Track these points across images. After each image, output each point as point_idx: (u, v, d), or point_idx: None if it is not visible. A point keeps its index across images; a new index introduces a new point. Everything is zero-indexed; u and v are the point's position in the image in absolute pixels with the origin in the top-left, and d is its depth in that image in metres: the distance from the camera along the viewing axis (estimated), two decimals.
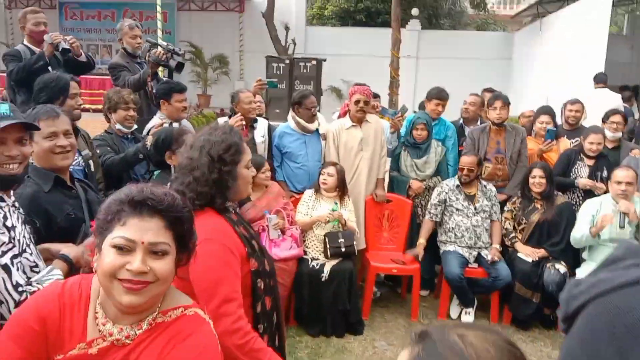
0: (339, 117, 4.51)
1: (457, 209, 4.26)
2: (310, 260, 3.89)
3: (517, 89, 13.49)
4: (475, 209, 4.24)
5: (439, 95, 4.76)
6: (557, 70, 10.71)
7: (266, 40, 14.09)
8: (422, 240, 4.28)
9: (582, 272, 3.81)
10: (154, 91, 4.05)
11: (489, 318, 4.26)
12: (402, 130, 4.65)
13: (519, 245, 4.16)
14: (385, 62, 13.45)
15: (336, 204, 4.05)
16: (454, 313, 4.31)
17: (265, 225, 3.80)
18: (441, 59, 14.94)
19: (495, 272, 4.07)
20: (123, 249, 1.21)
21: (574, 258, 4.06)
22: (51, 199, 1.99)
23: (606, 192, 4.17)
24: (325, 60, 11.23)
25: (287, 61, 10.73)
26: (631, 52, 14.87)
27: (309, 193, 4.14)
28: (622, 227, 3.62)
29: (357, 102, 4.26)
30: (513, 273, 4.05)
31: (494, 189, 4.35)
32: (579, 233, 3.83)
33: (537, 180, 4.08)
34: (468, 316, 4.23)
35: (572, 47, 10.24)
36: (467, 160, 4.24)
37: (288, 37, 14.55)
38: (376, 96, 5.37)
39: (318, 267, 3.84)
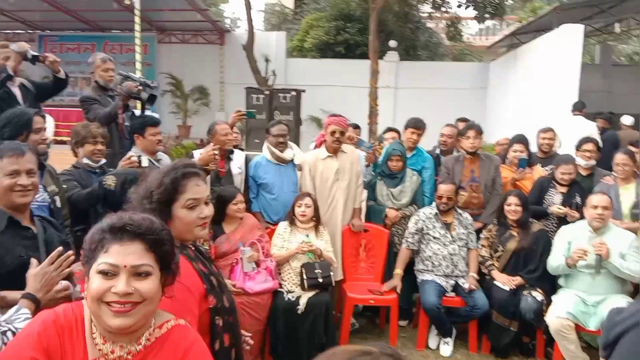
0: (315, 147, 4.52)
1: (434, 237, 4.26)
2: (285, 293, 3.84)
3: (492, 118, 13.75)
4: (452, 237, 4.24)
5: (415, 125, 4.81)
6: (531, 99, 10.94)
7: (247, 72, 14.22)
8: (398, 271, 4.26)
9: (558, 299, 3.81)
10: (126, 124, 4.03)
11: (467, 347, 4.22)
12: (380, 160, 4.67)
13: (495, 273, 4.15)
14: (364, 93, 13.63)
15: (307, 236, 4.00)
16: (432, 343, 4.26)
17: (239, 258, 3.75)
18: (419, 89, 15.19)
19: (473, 301, 4.05)
20: (108, 273, 1.28)
21: (550, 285, 4.05)
22: (1, 241, 1.93)
23: (580, 219, 4.22)
24: (304, 91, 11.33)
25: (267, 92, 10.80)
26: (603, 81, 15.29)
27: (283, 225, 4.11)
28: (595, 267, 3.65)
29: (333, 132, 4.28)
30: (490, 302, 4.03)
31: (469, 217, 4.37)
32: (555, 262, 3.84)
33: (513, 208, 4.11)
34: (447, 346, 4.18)
35: (546, 76, 10.48)
36: (445, 188, 4.25)
37: (268, 68, 14.71)
38: (356, 127, 5.42)
39: (294, 299, 3.78)
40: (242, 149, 4.94)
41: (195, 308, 1.65)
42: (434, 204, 4.37)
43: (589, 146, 4.71)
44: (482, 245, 4.30)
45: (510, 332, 3.99)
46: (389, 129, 5.56)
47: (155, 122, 3.75)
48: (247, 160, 4.43)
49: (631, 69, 17.73)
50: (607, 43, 17.09)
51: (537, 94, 10.73)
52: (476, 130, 4.51)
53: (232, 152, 4.30)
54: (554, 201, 4.41)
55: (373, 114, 13.57)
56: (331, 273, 3.92)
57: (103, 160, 3.38)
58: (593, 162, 4.68)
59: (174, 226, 1.68)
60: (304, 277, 3.83)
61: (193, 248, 1.85)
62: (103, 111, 3.95)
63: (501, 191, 4.55)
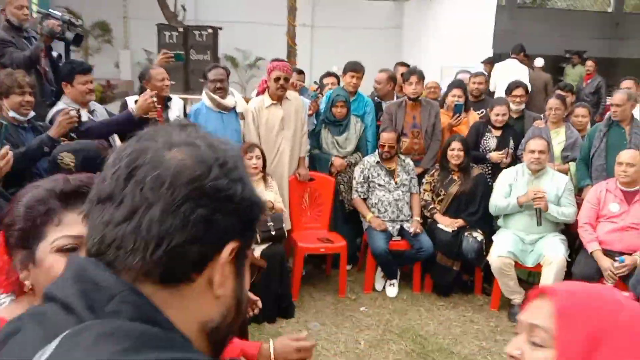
0: (257, 94, 4.30)
1: (379, 185, 4.30)
2: None
3: (408, 59, 13.94)
4: (396, 183, 4.30)
5: (354, 67, 4.70)
6: (447, 41, 11.15)
7: (153, 6, 13.15)
8: (370, 215, 4.28)
9: (499, 239, 4.02)
10: (48, 69, 3.57)
11: (411, 287, 4.40)
12: (321, 107, 4.56)
13: (438, 217, 4.29)
14: (281, 31, 13.19)
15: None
16: (379, 285, 4.39)
17: None
18: (336, 28, 14.98)
19: (418, 244, 4.19)
20: (70, 249, 1.02)
21: (489, 226, 4.27)
22: None
23: (513, 161, 4.43)
24: (221, 29, 10.76)
25: (181, 29, 10.12)
26: (509, 22, 15.93)
27: None
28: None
29: (277, 79, 4.09)
30: (434, 243, 4.19)
31: (411, 162, 4.44)
32: (503, 202, 4.01)
33: (456, 153, 4.21)
34: (392, 287, 4.33)
35: (461, 17, 10.68)
36: (387, 136, 4.25)
37: (177, 2, 13.71)
38: (300, 72, 5.21)
39: None
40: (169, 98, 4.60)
41: None
42: (376, 151, 4.37)
43: (519, 91, 4.90)
44: (425, 190, 4.41)
45: (453, 272, 4.20)
46: (328, 74, 5.39)
47: (85, 69, 3.34)
48: (186, 109, 4.15)
49: (535, 11, 18.58)
50: None
51: (452, 35, 10.95)
52: (418, 76, 4.51)
53: (169, 98, 3.99)
54: (490, 145, 4.57)
55: (292, 54, 13.21)
56: (283, 225, 3.86)
57: (32, 113, 2.98)
58: (522, 106, 4.89)
59: None
60: (257, 230, 3.73)
61: None
62: (20, 55, 3.44)
63: (440, 137, 4.65)
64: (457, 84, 5.02)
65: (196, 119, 4.11)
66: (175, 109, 4.02)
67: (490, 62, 8.70)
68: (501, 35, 11.92)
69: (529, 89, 5.07)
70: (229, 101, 4.15)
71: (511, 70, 7.15)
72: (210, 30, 10.13)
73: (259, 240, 3.72)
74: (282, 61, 4.17)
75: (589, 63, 9.37)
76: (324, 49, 14.70)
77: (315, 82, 5.45)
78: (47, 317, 0.60)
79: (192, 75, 9.66)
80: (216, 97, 4.09)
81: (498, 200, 4.05)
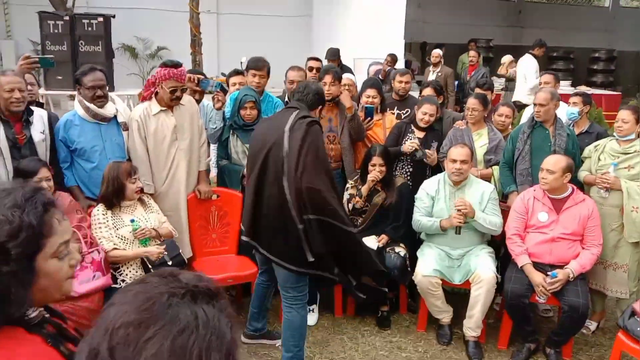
0: (143, 99, 3.62)
1: None
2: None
3: (319, 49, 13.50)
4: None
5: (255, 65, 4.12)
6: (360, 31, 10.81)
7: None
8: None
9: (423, 257, 3.67)
10: None
11: (333, 311, 3.96)
12: (227, 111, 3.97)
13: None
14: (184, 18, 12.29)
15: (133, 221, 3.20)
16: None
17: None
18: (242, 15, 14.22)
19: None
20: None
21: (412, 238, 3.92)
22: None
23: (437, 165, 4.09)
24: (114, 17, 9.68)
25: (66, 18, 8.98)
26: (417, 11, 15.93)
27: (100, 210, 3.19)
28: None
29: (173, 91, 3.45)
30: None
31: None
32: (426, 221, 3.65)
33: (377, 169, 3.78)
34: (312, 313, 3.88)
35: (372, 4, 10.37)
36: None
37: None
38: (197, 72, 4.46)
39: None
40: (41, 104, 3.82)
41: None
42: None
43: (428, 91, 4.59)
44: (350, 194, 3.95)
45: (378, 292, 3.79)
46: (236, 72, 4.62)
47: None
48: (52, 121, 3.40)
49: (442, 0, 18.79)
50: None
51: (364, 24, 10.61)
52: (333, 76, 4.02)
53: (30, 112, 3.23)
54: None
55: (196, 43, 12.35)
56: (180, 250, 3.26)
57: None
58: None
59: (37, 288, 1.10)
60: (149, 266, 3.11)
61: (47, 313, 1.18)
62: None
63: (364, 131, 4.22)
64: (371, 82, 4.56)
65: (67, 131, 3.39)
66: (39, 124, 3.27)
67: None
68: (410, 25, 11.80)
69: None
70: (108, 110, 3.45)
71: (520, 65, 7.30)
72: (100, 19, 9.07)
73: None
74: (177, 66, 3.48)
75: (472, 53, 8.92)
76: (231, 38, 13.92)
77: (223, 74, 4.76)
78: None
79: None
80: (91, 106, 3.38)
81: (421, 217, 3.69)
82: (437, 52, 8.54)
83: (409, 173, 4.14)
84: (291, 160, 2.72)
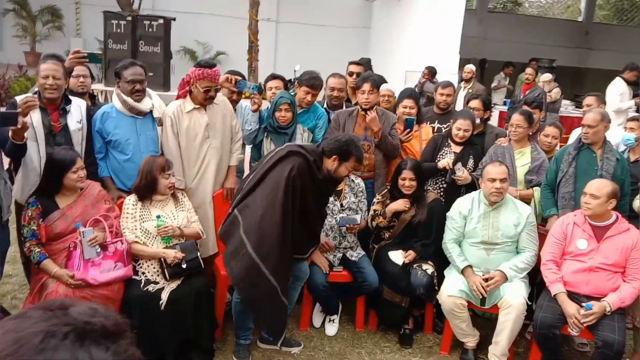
0: (177, 97, 3.67)
1: None
2: (143, 282, 3.10)
3: (375, 60, 13.43)
4: (341, 205, 3.75)
5: (311, 83, 3.95)
6: (415, 43, 10.68)
7: None
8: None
9: (450, 276, 3.52)
10: None
11: (354, 324, 3.86)
12: (265, 112, 3.96)
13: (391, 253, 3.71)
14: (243, 25, 12.56)
15: (159, 217, 3.22)
16: (317, 321, 3.84)
17: (79, 242, 2.93)
18: (301, 25, 14.39)
19: (362, 277, 3.65)
20: None
21: (442, 256, 3.75)
22: None
23: (472, 182, 3.92)
24: (174, 19, 10.03)
25: (129, 18, 9.35)
26: (479, 27, 15.61)
27: (132, 201, 3.25)
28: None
29: (206, 91, 3.48)
30: (381, 276, 3.66)
31: (362, 183, 3.87)
32: (455, 255, 3.52)
33: (408, 183, 3.67)
34: (332, 324, 3.79)
35: (429, 19, 10.23)
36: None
37: None
38: (236, 73, 4.47)
39: (154, 291, 3.07)
40: (93, 96, 3.94)
41: None
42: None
43: (475, 103, 4.41)
44: (375, 210, 3.85)
45: (402, 309, 3.67)
46: (273, 76, 4.57)
47: None
48: (90, 113, 3.49)
49: (504, 16, 18.37)
50: None
51: (420, 37, 10.48)
52: (372, 84, 3.94)
53: (68, 101, 3.33)
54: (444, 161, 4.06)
55: (253, 49, 12.60)
56: (198, 254, 3.25)
57: None
58: (478, 119, 4.37)
59: None
60: (164, 266, 3.12)
61: None
62: None
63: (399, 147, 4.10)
64: (409, 93, 4.44)
65: (103, 123, 3.47)
66: (76, 114, 3.37)
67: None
68: (468, 41, 11.57)
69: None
70: (144, 104, 3.52)
71: (609, 89, 7.08)
72: (161, 21, 9.40)
73: (167, 277, 3.11)
74: (212, 67, 3.51)
75: (529, 70, 8.40)
76: (288, 46, 14.12)
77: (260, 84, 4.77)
78: None
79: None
80: (128, 99, 3.45)
81: (452, 247, 3.55)
82: (470, 67, 8.28)
83: (442, 189, 4.00)
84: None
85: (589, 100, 4.76)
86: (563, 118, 9.18)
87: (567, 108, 9.84)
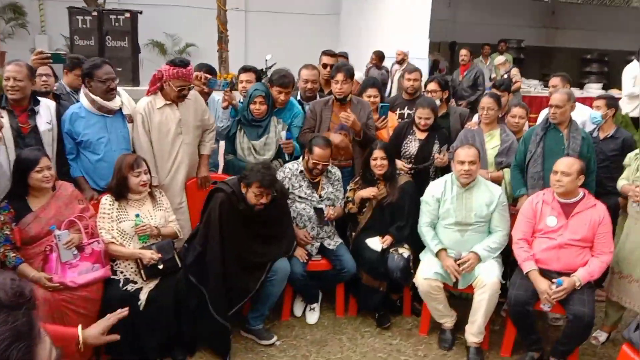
0: (148, 93, 3.64)
1: (300, 197, 3.76)
2: (122, 282, 3.10)
3: (347, 47, 13.42)
4: (319, 197, 3.78)
5: (281, 82, 3.89)
6: (386, 29, 10.70)
7: None
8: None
9: (425, 259, 3.60)
10: None
11: (334, 310, 3.92)
12: (240, 104, 3.96)
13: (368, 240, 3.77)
14: (212, 15, 12.38)
15: (137, 216, 3.22)
16: (297, 310, 3.90)
17: (55, 245, 2.91)
18: (270, 13, 14.26)
19: (340, 265, 3.71)
20: None
21: (418, 240, 3.82)
22: None
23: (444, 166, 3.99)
24: (141, 12, 9.82)
25: (95, 13, 9.15)
26: (448, 10, 15.67)
27: (108, 201, 3.24)
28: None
29: (180, 89, 3.48)
30: (358, 262, 3.71)
31: (338, 172, 3.91)
32: (429, 239, 3.60)
33: (379, 163, 3.72)
34: (313, 312, 3.85)
35: (398, 3, 10.25)
36: (322, 153, 3.61)
37: None
38: (209, 70, 4.41)
39: (133, 290, 3.07)
40: (58, 96, 3.88)
41: None
42: (300, 159, 3.82)
43: (431, 85, 4.46)
44: (348, 197, 3.90)
45: (380, 293, 3.74)
46: (244, 69, 4.55)
47: None
48: (59, 113, 3.45)
49: None
50: None
51: (390, 21, 10.50)
52: (345, 74, 3.96)
53: (36, 102, 3.28)
54: (410, 149, 4.10)
55: (223, 40, 12.44)
56: (175, 253, 3.25)
57: None
58: (437, 101, 4.43)
59: None
60: (141, 266, 3.12)
61: None
62: None
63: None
64: (372, 82, 4.51)
65: (73, 124, 3.43)
66: (45, 114, 3.33)
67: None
68: (438, 24, 11.61)
69: None
70: (114, 102, 3.49)
71: (625, 72, 7.00)
72: (127, 15, 9.21)
73: (144, 277, 3.11)
74: (186, 66, 3.48)
75: (463, 51, 8.15)
76: (258, 35, 13.98)
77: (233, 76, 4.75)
78: None
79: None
80: (97, 98, 3.41)
81: (426, 230, 3.62)
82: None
83: (411, 173, 4.05)
84: None
85: (555, 80, 4.81)
86: (531, 98, 9.35)
87: (535, 88, 9.98)
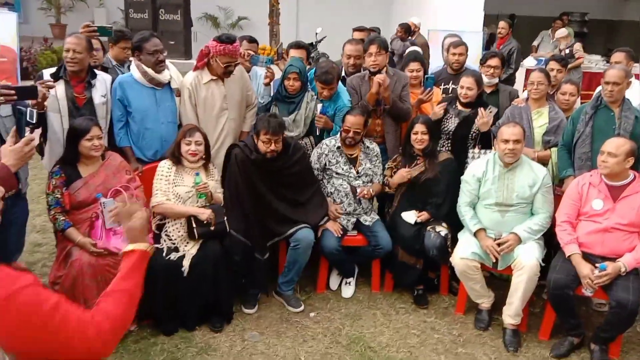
0: (195, 68, 3.71)
1: (337, 173, 3.77)
2: (165, 250, 3.23)
3: (398, 21, 13.10)
4: (357, 172, 3.78)
5: (323, 79, 3.79)
6: (437, 2, 10.39)
7: None
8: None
9: (463, 238, 3.55)
10: None
11: (370, 286, 3.95)
12: (277, 80, 3.98)
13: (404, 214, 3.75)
14: None
15: (198, 174, 3.37)
16: (333, 284, 3.94)
17: (100, 212, 3.06)
18: None
19: (376, 241, 3.72)
20: None
21: (457, 219, 3.76)
22: None
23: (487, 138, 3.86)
24: None
25: None
26: None
27: (167, 165, 3.38)
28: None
29: (226, 65, 3.54)
30: (394, 239, 3.71)
31: (377, 148, 3.89)
32: (468, 218, 3.54)
33: (420, 137, 3.68)
34: (349, 287, 3.89)
35: None
36: (353, 120, 3.63)
37: None
38: (252, 41, 4.48)
39: (176, 259, 3.20)
40: (105, 69, 4.02)
41: None
42: (337, 135, 3.82)
43: (494, 61, 4.28)
44: (386, 175, 3.88)
45: (416, 270, 3.73)
46: (296, 45, 4.48)
47: None
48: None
49: None
50: None
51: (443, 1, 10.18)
52: (379, 45, 3.90)
53: (93, 75, 3.42)
54: (449, 125, 3.97)
55: (274, 13, 12.49)
56: (225, 218, 3.36)
57: None
58: (496, 79, 4.29)
59: None
60: (193, 226, 3.24)
61: None
62: None
63: (411, 109, 4.06)
64: (414, 56, 4.41)
65: (124, 93, 3.55)
66: (101, 88, 3.47)
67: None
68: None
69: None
70: (163, 75, 3.59)
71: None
72: None
73: (196, 236, 3.24)
74: (232, 43, 3.54)
75: (502, 24, 7.89)
76: (309, 9, 13.90)
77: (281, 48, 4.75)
78: None
79: (161, 38, 8.92)
80: (149, 70, 3.51)
81: (465, 210, 3.56)
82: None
83: (448, 148, 3.96)
84: None
85: (618, 56, 4.49)
86: (591, 75, 8.88)
87: (597, 64, 9.46)
